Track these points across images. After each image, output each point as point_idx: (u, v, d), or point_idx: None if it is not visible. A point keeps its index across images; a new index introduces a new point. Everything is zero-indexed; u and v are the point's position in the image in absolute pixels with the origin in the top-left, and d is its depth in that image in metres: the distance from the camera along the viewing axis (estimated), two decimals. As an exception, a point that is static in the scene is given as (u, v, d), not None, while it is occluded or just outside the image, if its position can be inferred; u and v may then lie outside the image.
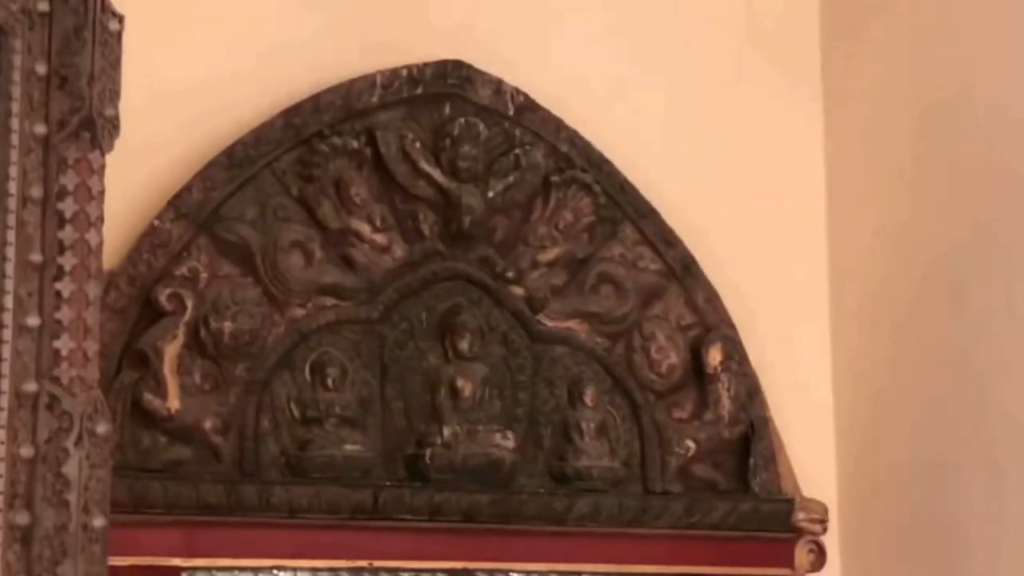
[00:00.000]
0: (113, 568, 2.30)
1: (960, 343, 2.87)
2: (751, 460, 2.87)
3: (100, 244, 1.96)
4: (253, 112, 2.64)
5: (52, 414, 1.88)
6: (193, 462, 2.46)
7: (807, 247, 3.17)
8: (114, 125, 1.97)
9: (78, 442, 1.88)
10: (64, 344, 1.90)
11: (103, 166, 1.97)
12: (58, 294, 1.91)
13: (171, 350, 2.44)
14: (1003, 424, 2.75)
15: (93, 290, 1.94)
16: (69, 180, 1.93)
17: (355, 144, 2.67)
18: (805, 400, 3.07)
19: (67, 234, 1.92)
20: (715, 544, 2.82)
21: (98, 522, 1.88)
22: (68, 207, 1.92)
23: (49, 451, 1.87)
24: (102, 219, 1.96)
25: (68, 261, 1.92)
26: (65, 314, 1.91)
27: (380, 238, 2.67)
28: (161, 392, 2.42)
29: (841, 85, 3.22)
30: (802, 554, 2.89)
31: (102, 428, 1.90)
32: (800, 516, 2.88)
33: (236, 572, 2.53)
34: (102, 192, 1.96)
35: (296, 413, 2.57)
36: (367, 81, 2.71)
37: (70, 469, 1.87)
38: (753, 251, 3.07)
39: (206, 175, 2.56)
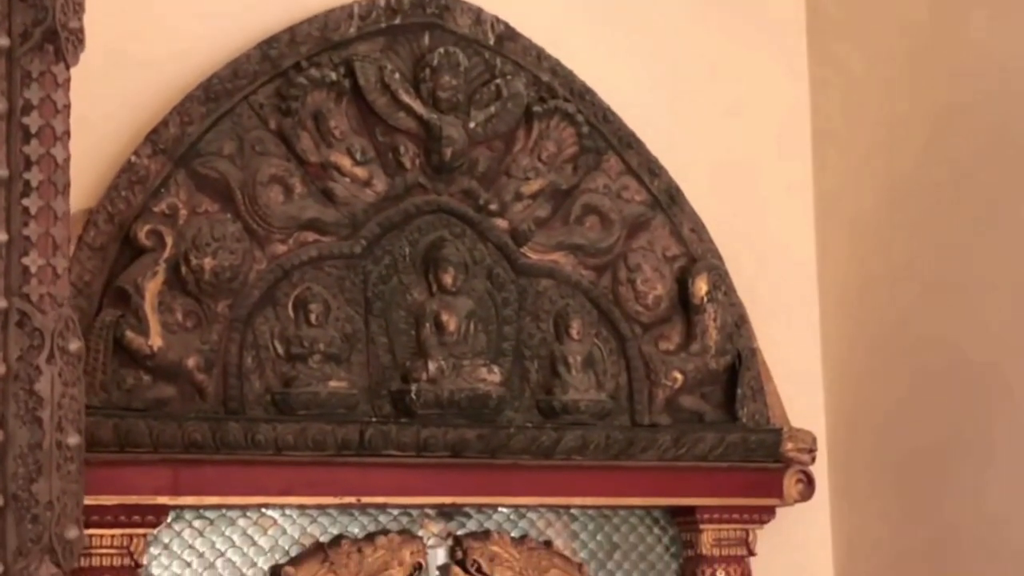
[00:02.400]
0: (100, 507, 2.40)
1: (950, 272, 2.94)
2: (739, 391, 2.93)
3: (67, 159, 1.97)
4: (229, 45, 2.66)
5: (23, 331, 1.90)
6: (177, 400, 2.50)
7: (793, 176, 3.23)
8: (79, 38, 1.97)
9: (50, 359, 1.90)
10: (33, 261, 1.92)
11: (68, 80, 1.97)
12: (26, 210, 1.92)
13: (152, 287, 2.47)
14: (993, 353, 2.82)
15: (61, 206, 1.95)
16: (34, 94, 1.94)
17: (333, 76, 2.69)
18: (793, 329, 3.14)
19: (33, 149, 1.93)
20: (703, 475, 2.89)
21: (72, 440, 1.90)
22: (33, 121, 1.93)
23: (21, 369, 1.89)
24: (68, 134, 1.97)
25: (35, 176, 1.93)
26: (33, 230, 1.92)
27: (361, 171, 2.70)
28: (143, 330, 2.46)
29: (826, 13, 3.26)
30: (790, 484, 2.97)
31: (74, 345, 1.93)
32: (788, 446, 2.95)
33: (224, 510, 2.60)
34: (68, 106, 1.97)
35: (280, 350, 2.61)
36: (344, 11, 2.73)
37: (43, 387, 1.89)
38: (739, 181, 3.12)
39: (183, 109, 2.58)
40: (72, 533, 1.89)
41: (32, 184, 1.93)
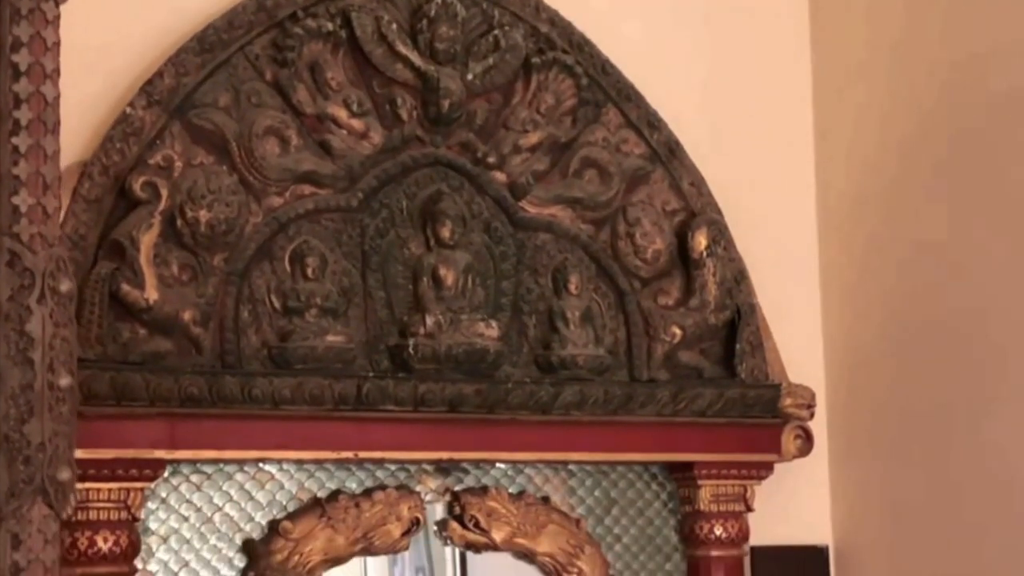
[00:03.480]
0: (97, 461, 2.42)
1: (952, 227, 2.95)
2: (738, 346, 2.95)
3: (57, 97, 1.97)
4: (225, -6, 2.66)
5: (13, 271, 1.91)
6: (174, 354, 2.52)
7: (793, 130, 3.24)
8: (67, -26, 1.97)
9: (40, 300, 1.92)
10: (23, 200, 1.93)
11: (58, 17, 1.98)
12: (15, 149, 1.93)
13: (147, 240, 2.49)
14: (992, 306, 2.85)
15: (51, 145, 1.96)
16: (23, 31, 1.95)
17: (330, 26, 2.70)
18: (792, 285, 3.17)
19: (22, 87, 1.94)
20: (701, 431, 2.92)
21: (64, 381, 1.93)
22: (23, 59, 1.94)
23: (11, 309, 1.91)
24: (58, 72, 1.98)
25: (24, 115, 1.94)
26: (23, 169, 1.93)
27: (357, 123, 2.71)
28: (139, 283, 2.47)
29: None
30: (789, 440, 3.00)
31: (65, 286, 1.95)
32: (787, 402, 2.98)
33: (221, 465, 2.62)
34: (57, 44, 1.98)
35: (276, 304, 2.63)
36: (340, -39, 2.74)
37: (33, 327, 1.91)
38: (739, 134, 3.14)
39: (178, 60, 2.59)
40: (64, 475, 1.91)
41: (22, 123, 1.94)
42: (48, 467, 1.90)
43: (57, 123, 1.97)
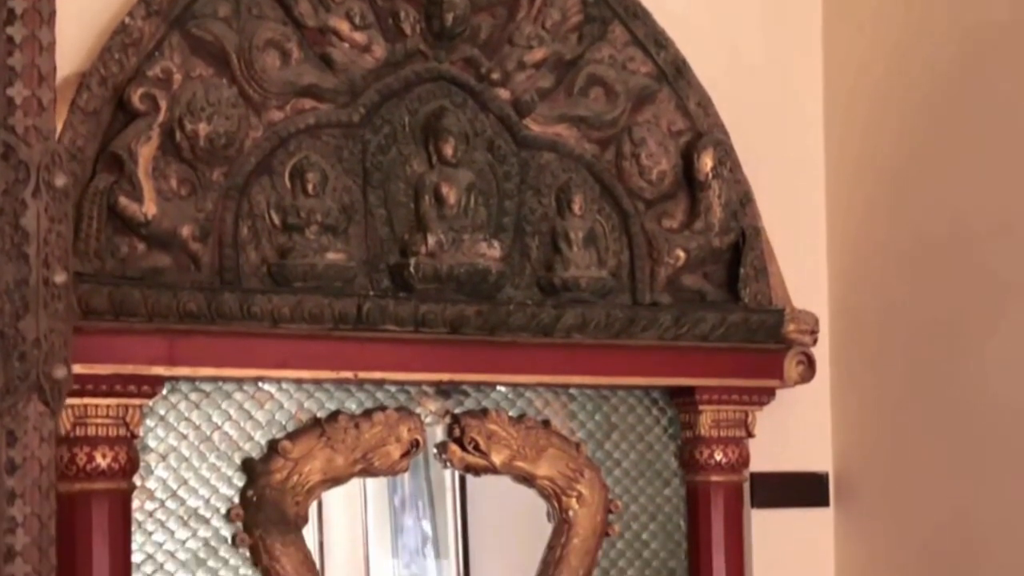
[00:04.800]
0: (95, 376, 2.44)
1: (960, 151, 2.96)
2: (742, 270, 2.97)
3: None
4: (224, -100, 2.64)
5: (8, 164, 1.91)
6: (172, 270, 2.53)
7: (802, 50, 3.24)
8: None
9: (35, 193, 1.92)
10: (18, 92, 1.92)
11: None
12: (10, 39, 1.92)
13: (145, 152, 2.48)
14: (1000, 231, 2.86)
15: (46, 35, 1.95)
16: None
17: (332, -63, 2.69)
18: (798, 209, 3.18)
19: None
20: (704, 355, 2.94)
21: (59, 278, 1.93)
22: None
23: (6, 203, 1.91)
24: None
25: (19, 4, 1.92)
26: (18, 60, 1.92)
27: (359, 36, 2.70)
28: (137, 196, 2.47)
29: None
30: (791, 366, 3.02)
31: (60, 180, 1.95)
32: (790, 327, 3.00)
33: (220, 383, 2.65)
34: None
35: (276, 220, 2.63)
36: None
37: (28, 221, 1.91)
38: (746, 54, 3.14)
39: (177, -31, 2.58)
40: (60, 372, 1.93)
41: (16, 12, 1.92)
42: (44, 364, 1.92)
43: (52, 13, 1.95)
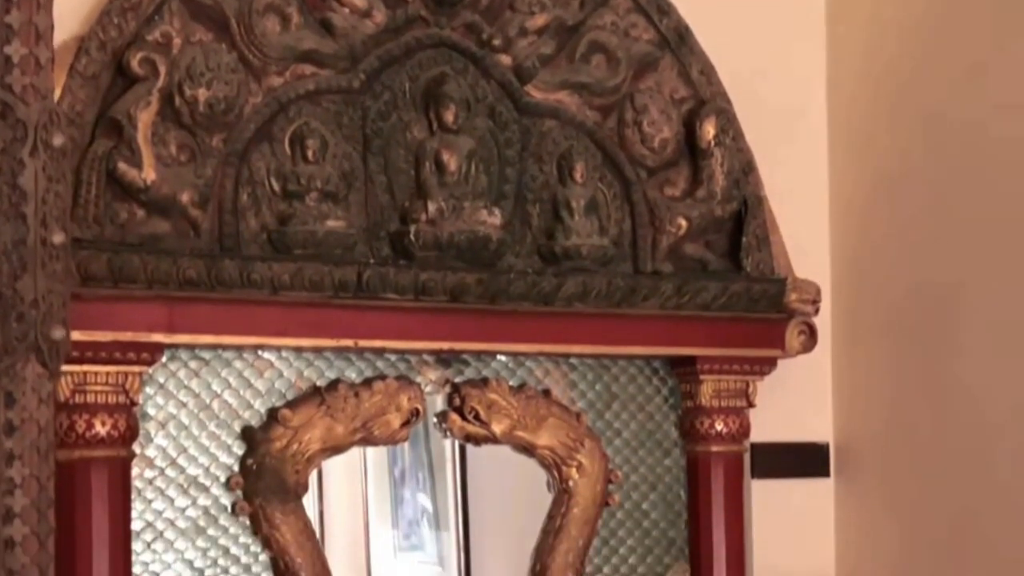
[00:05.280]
0: (95, 343, 2.45)
1: (966, 118, 2.96)
2: (744, 239, 2.97)
3: None
4: None
5: (5, 123, 1.91)
6: (172, 236, 2.53)
7: (805, 18, 3.23)
8: None
9: (33, 152, 1.92)
10: (15, 50, 1.91)
11: None
12: None
13: (145, 118, 2.48)
14: (1005, 198, 2.86)
15: None
16: None
17: (333, -100, 2.67)
18: (800, 178, 3.18)
19: None
20: (705, 324, 2.94)
21: (57, 238, 1.93)
22: None
23: (3, 162, 1.91)
24: None
25: None
26: (15, 18, 1.91)
27: (360, 1, 2.69)
28: (136, 162, 2.47)
29: None
30: (793, 335, 3.02)
31: (58, 140, 1.94)
32: (792, 297, 3.00)
33: (219, 351, 2.65)
34: None
35: (276, 187, 2.63)
36: None
37: (26, 181, 1.91)
38: (750, 21, 3.13)
39: (178, -69, 2.57)
40: (58, 333, 1.93)
41: (12, -29, 1.91)
42: (42, 325, 1.92)
43: None
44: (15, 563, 1.92)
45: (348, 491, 3.62)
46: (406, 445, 3.23)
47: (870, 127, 3.18)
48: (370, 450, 3.15)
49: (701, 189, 2.95)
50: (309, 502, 2.80)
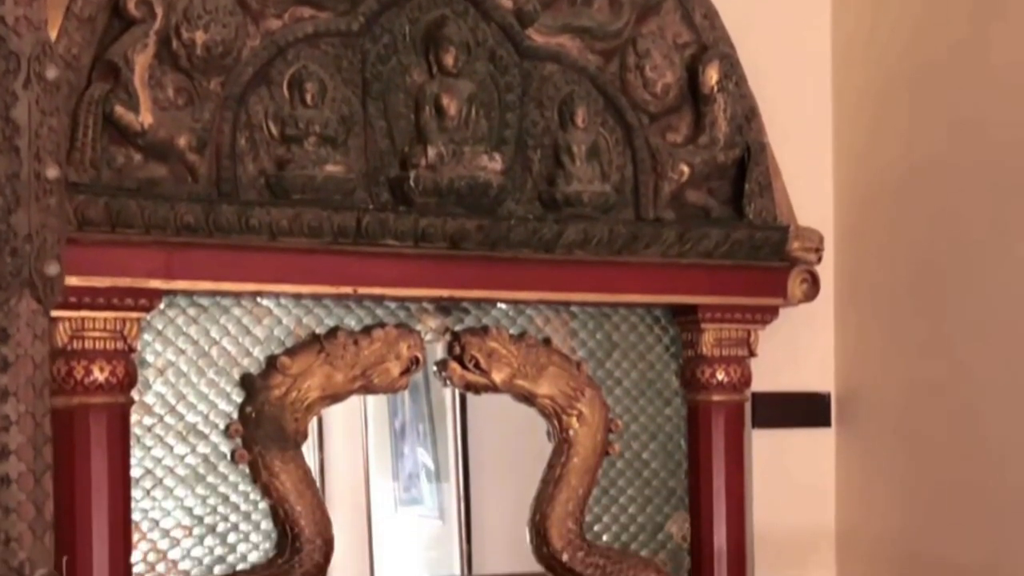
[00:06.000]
0: (92, 289, 2.44)
1: (971, 65, 2.95)
2: (746, 186, 2.96)
3: None
4: None
5: None
6: (169, 181, 2.52)
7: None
8: None
9: (26, 85, 1.91)
10: None
11: None
12: None
13: (142, 60, 2.47)
14: (1012, 147, 2.85)
15: None
16: None
17: None
18: (804, 125, 3.17)
19: None
20: (707, 273, 2.94)
21: (52, 172, 1.92)
22: None
23: None
24: None
25: None
26: None
27: (360, -58, 2.68)
28: (133, 105, 2.46)
29: None
30: (795, 284, 3.02)
31: (52, 73, 1.93)
32: (794, 245, 3.00)
33: (218, 298, 2.65)
34: None
35: (274, 131, 2.62)
36: None
37: (19, 114, 1.90)
38: (754, -35, 3.11)
39: None
40: (53, 269, 1.92)
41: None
42: (36, 260, 1.91)
43: None
44: (11, 500, 1.93)
45: (348, 444, 3.61)
46: (406, 397, 3.22)
47: (875, 73, 3.16)
48: (370, 402, 3.14)
49: (704, 135, 2.94)
50: (310, 455, 2.81)
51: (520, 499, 3.00)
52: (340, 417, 3.09)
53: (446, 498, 3.55)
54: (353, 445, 3.68)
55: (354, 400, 2.95)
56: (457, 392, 3.08)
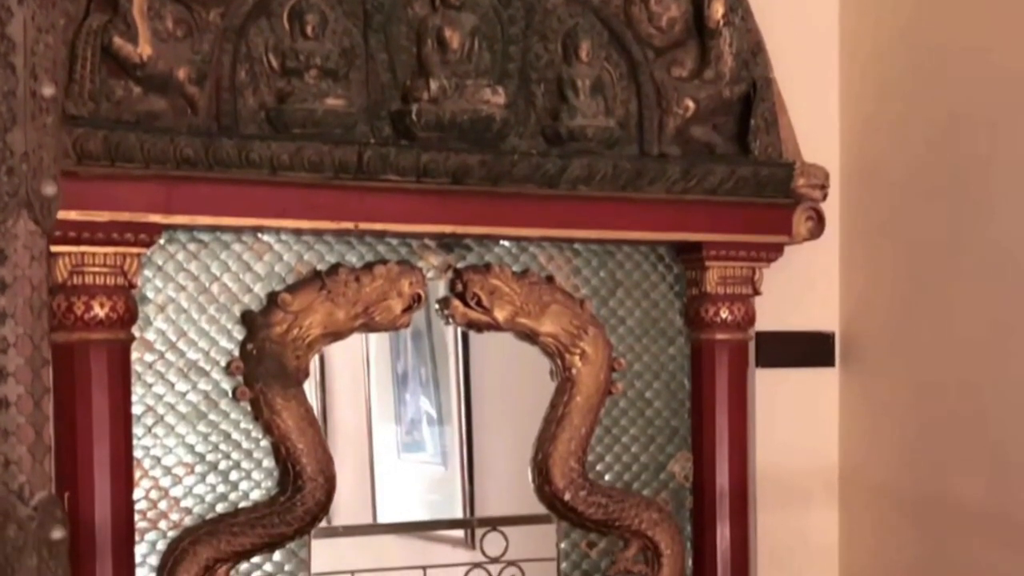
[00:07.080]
0: (92, 223, 2.44)
1: (971, 25, 2.92)
2: (752, 122, 2.95)
3: None
4: None
5: None
6: (169, 114, 2.51)
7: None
8: None
9: (21, 0, 1.88)
10: None
11: None
12: None
13: (140, -10, 2.46)
14: (1015, 94, 2.83)
15: None
16: None
17: None
18: (810, 60, 3.16)
19: None
20: (711, 209, 2.93)
21: (47, 90, 1.90)
22: None
23: None
24: None
25: None
26: None
27: None
28: (132, 37, 2.44)
29: None
30: (800, 221, 3.02)
31: None
32: (800, 182, 2.98)
33: (218, 233, 2.64)
34: None
35: (275, 64, 2.61)
36: None
37: (14, 30, 1.88)
38: None
39: None
40: (50, 189, 1.91)
41: None
42: (32, 179, 1.89)
43: None
44: (10, 423, 1.93)
45: (351, 386, 3.61)
46: (408, 340, 3.22)
47: (882, 9, 3.14)
48: (373, 346, 3.14)
49: (709, 70, 2.92)
50: (312, 398, 2.80)
51: (523, 443, 3.01)
52: (343, 358, 3.09)
53: (448, 441, 3.55)
54: (356, 386, 3.68)
55: (356, 344, 2.95)
56: (459, 334, 3.07)
